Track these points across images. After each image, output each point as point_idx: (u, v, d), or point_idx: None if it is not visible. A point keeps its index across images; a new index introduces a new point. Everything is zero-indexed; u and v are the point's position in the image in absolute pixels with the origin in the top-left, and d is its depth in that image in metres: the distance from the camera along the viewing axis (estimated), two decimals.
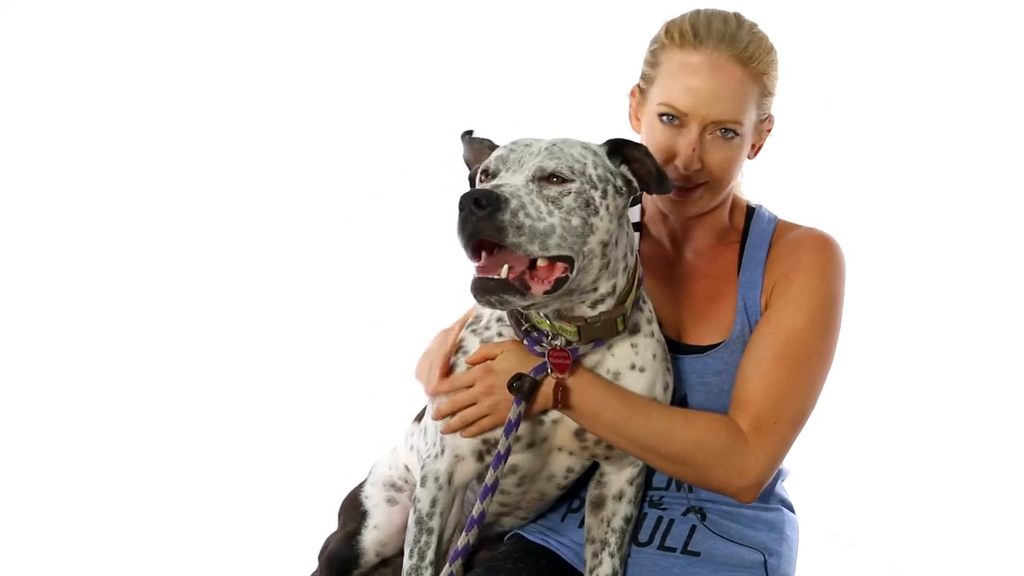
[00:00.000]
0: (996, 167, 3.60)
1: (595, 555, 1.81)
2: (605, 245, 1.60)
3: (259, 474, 3.59)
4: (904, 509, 3.37)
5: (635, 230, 1.96)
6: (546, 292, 1.55)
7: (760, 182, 2.02)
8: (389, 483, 2.03)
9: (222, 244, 3.92)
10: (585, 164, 1.58)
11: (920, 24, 3.58)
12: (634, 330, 1.73)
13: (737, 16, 1.81)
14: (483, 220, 1.49)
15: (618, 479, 1.82)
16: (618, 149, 1.64)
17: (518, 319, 1.70)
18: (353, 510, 2.05)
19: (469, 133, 1.73)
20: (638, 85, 1.87)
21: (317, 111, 3.90)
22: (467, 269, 1.56)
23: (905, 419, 3.53)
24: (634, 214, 1.99)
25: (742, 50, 1.76)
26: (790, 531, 1.90)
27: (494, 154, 1.61)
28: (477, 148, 1.72)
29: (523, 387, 1.66)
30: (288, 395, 3.77)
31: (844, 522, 3.24)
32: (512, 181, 1.55)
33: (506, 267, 1.53)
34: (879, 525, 3.33)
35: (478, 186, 1.58)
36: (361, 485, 2.08)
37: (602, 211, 1.58)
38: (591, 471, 1.85)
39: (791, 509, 1.95)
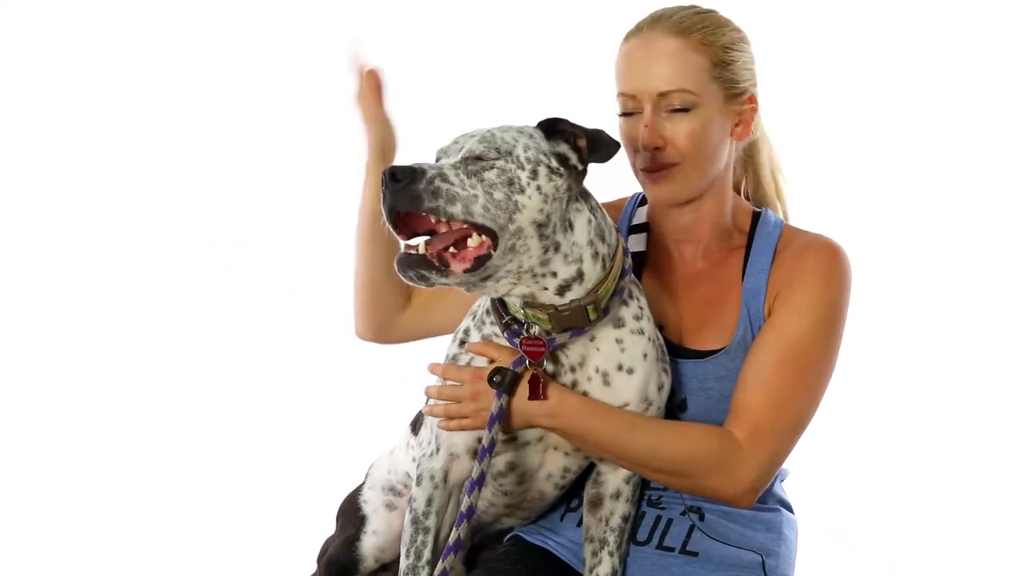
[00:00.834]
0: (1000, 171, 3.60)
1: (594, 554, 1.81)
2: (541, 226, 1.59)
3: (258, 475, 3.59)
4: (904, 509, 3.38)
5: (641, 231, 1.96)
6: (466, 271, 1.55)
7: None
8: (388, 487, 2.03)
9: (222, 244, 3.92)
10: (514, 146, 1.59)
11: (920, 24, 3.58)
12: (618, 324, 1.72)
13: (689, 6, 1.84)
14: (399, 192, 1.50)
15: (615, 478, 1.81)
16: (552, 127, 1.65)
17: (498, 310, 1.71)
18: (352, 515, 2.04)
19: None
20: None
21: (317, 112, 3.90)
22: None
23: (905, 419, 3.53)
24: (640, 215, 1.99)
25: (676, 24, 1.79)
26: (788, 531, 1.90)
27: (439, 147, 1.64)
28: None
29: (504, 381, 1.66)
30: (287, 395, 3.77)
31: (843, 522, 3.25)
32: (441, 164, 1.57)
33: (423, 241, 1.54)
34: (879, 525, 3.33)
35: None
36: (359, 489, 2.07)
37: (530, 190, 1.58)
38: (589, 470, 1.85)
39: (790, 509, 1.95)
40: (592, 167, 1.67)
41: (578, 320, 1.66)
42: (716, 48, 1.80)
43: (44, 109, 3.97)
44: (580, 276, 1.65)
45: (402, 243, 1.59)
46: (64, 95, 3.97)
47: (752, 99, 1.86)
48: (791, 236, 1.89)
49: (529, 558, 1.91)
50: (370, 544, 1.99)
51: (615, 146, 1.65)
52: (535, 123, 1.67)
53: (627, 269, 1.73)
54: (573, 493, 1.92)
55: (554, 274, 1.64)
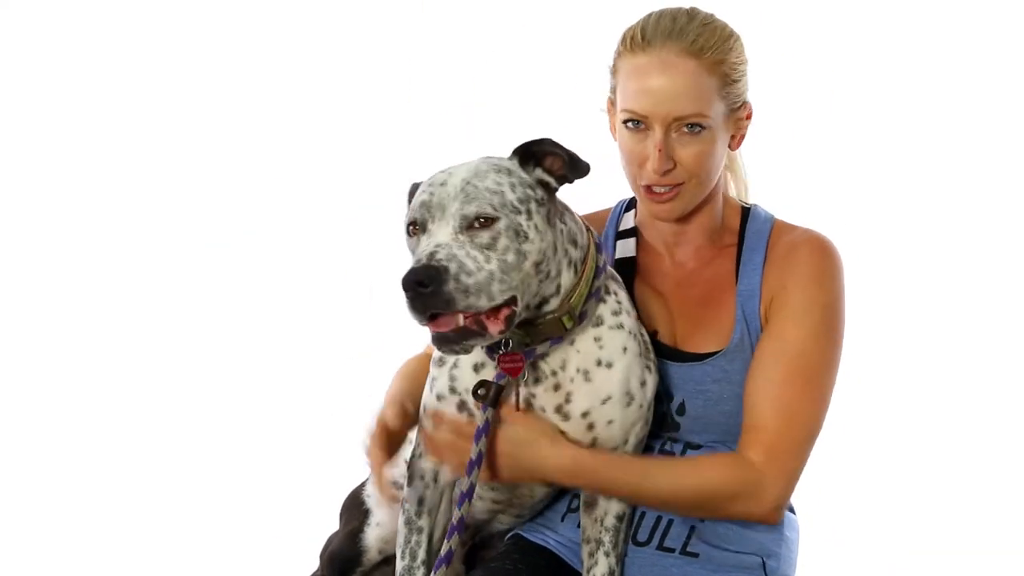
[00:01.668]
0: (996, 168, 3.60)
1: (591, 555, 1.81)
2: (538, 264, 1.60)
3: (260, 474, 3.59)
4: (904, 509, 3.37)
5: (629, 236, 1.96)
6: (500, 331, 1.57)
7: (758, 182, 2.01)
8: (391, 481, 2.03)
9: (223, 244, 3.92)
10: (503, 192, 1.58)
11: (920, 24, 3.58)
12: (597, 323, 1.72)
13: (690, 11, 1.81)
14: (431, 297, 1.50)
15: None
16: (527, 153, 1.64)
17: None
18: (355, 509, 2.05)
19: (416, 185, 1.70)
20: (609, 97, 1.87)
21: (317, 115, 3.91)
22: None
23: (905, 419, 3.53)
24: (627, 221, 1.98)
25: (691, 43, 1.75)
26: (789, 532, 1.90)
27: (415, 201, 1.60)
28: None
29: (488, 394, 1.67)
30: (289, 394, 3.77)
31: (844, 522, 3.24)
32: (440, 237, 1.55)
33: (460, 316, 1.54)
34: (879, 525, 3.33)
35: (409, 244, 1.61)
36: (363, 484, 2.08)
37: (531, 233, 1.58)
38: None
39: (791, 510, 1.95)
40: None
41: (554, 330, 1.67)
42: (726, 67, 1.78)
43: (44, 109, 3.98)
44: (558, 290, 1.66)
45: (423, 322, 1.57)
46: (64, 95, 3.97)
47: (748, 107, 1.86)
48: (782, 231, 1.88)
49: (529, 556, 1.91)
50: (374, 535, 1.99)
51: (588, 168, 1.63)
52: (509, 151, 1.65)
53: (601, 268, 1.72)
54: (575, 493, 1.92)
55: (544, 296, 1.65)
